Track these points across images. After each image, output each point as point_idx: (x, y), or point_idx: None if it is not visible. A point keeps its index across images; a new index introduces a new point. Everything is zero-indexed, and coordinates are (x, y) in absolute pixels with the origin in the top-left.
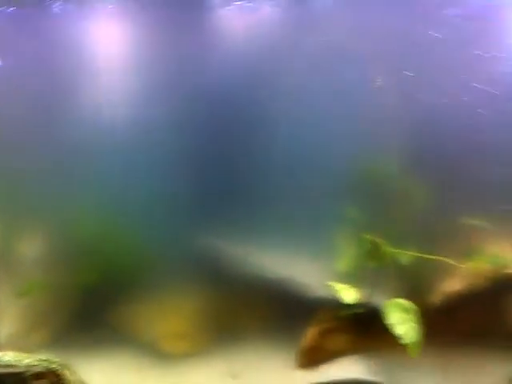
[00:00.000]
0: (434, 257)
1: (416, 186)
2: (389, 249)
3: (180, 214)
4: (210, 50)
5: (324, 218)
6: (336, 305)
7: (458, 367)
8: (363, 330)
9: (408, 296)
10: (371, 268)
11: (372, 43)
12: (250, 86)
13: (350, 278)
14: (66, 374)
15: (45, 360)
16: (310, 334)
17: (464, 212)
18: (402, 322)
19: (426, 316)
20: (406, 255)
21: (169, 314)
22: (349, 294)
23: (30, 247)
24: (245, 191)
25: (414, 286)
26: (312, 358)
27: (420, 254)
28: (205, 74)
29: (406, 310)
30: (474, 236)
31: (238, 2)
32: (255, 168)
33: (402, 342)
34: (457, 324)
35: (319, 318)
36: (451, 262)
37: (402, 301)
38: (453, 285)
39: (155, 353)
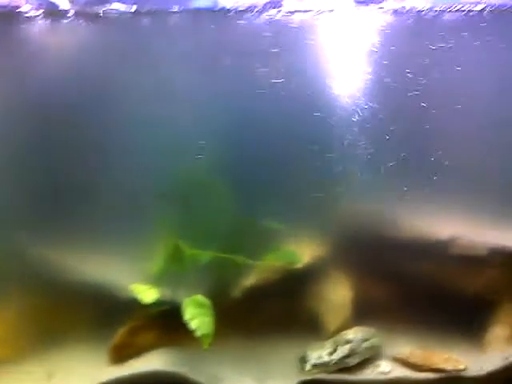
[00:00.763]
0: (231, 256)
1: (221, 189)
2: (189, 250)
3: None
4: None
5: (138, 220)
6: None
7: (256, 354)
8: (166, 326)
9: (211, 292)
10: (175, 269)
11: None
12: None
13: (159, 280)
14: None
15: None
16: (120, 333)
17: (264, 215)
18: (196, 316)
19: (228, 309)
20: (205, 255)
21: None
22: (148, 295)
23: None
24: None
25: (216, 283)
26: (121, 354)
27: (218, 254)
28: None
29: (200, 306)
30: (271, 236)
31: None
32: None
33: (196, 334)
34: (256, 315)
35: (131, 318)
36: (245, 260)
37: (198, 297)
38: (250, 280)
39: None
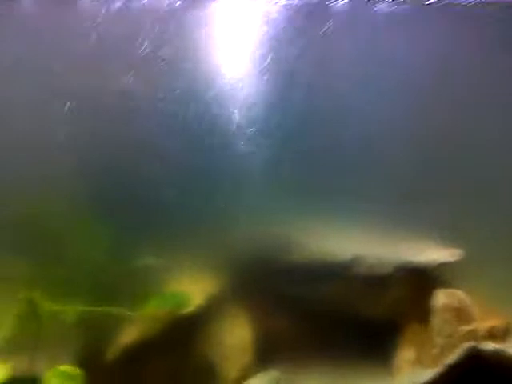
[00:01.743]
0: (104, 308)
1: (91, 231)
2: (50, 306)
3: None
4: None
5: None
6: None
7: None
8: None
9: (81, 359)
10: (31, 332)
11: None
12: None
13: (9, 349)
14: None
15: None
16: None
17: (139, 254)
18: None
19: (105, 376)
20: (70, 311)
21: None
22: None
23: None
24: None
25: (87, 345)
26: None
27: (86, 308)
28: None
29: (67, 378)
30: (152, 278)
31: None
32: None
33: None
34: (142, 375)
35: None
36: (122, 311)
37: (63, 368)
38: (128, 336)
39: None
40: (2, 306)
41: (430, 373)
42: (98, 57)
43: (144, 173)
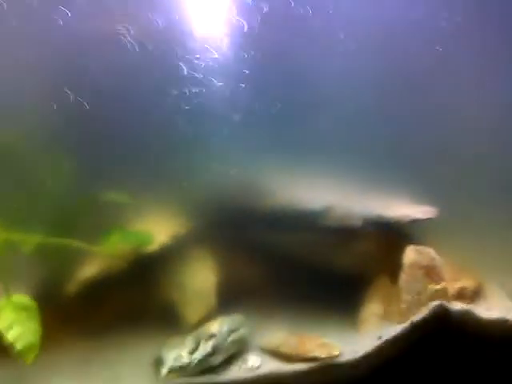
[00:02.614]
0: (64, 240)
1: (50, 162)
2: (6, 234)
3: None
4: None
5: None
6: None
7: (103, 358)
8: None
9: (37, 290)
10: None
11: None
12: None
13: None
14: None
15: None
16: None
17: (102, 187)
18: (14, 323)
19: (62, 309)
20: (29, 240)
21: None
22: None
23: None
24: None
25: (44, 277)
26: None
27: (46, 239)
28: None
29: (21, 309)
30: (113, 213)
31: None
32: None
33: (15, 349)
34: (101, 311)
35: None
36: (83, 245)
37: (18, 297)
38: (88, 270)
39: None
40: None
41: (396, 328)
42: None
43: (114, 107)
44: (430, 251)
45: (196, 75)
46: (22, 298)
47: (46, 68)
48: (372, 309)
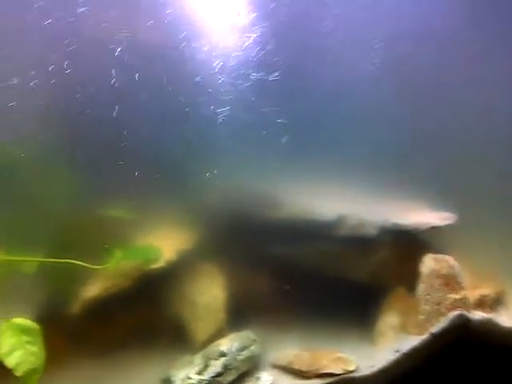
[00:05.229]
0: (67, 261)
1: (52, 179)
2: (5, 256)
3: None
4: None
5: None
6: None
7: (110, 378)
8: None
9: (40, 312)
10: None
11: None
12: None
13: None
14: None
15: None
16: None
17: (104, 204)
18: (16, 348)
19: (69, 329)
20: (30, 263)
21: None
22: None
23: None
24: None
25: (46, 298)
26: None
27: (47, 260)
28: None
29: (23, 332)
30: (117, 230)
31: None
32: None
33: (16, 374)
34: (107, 331)
35: None
36: (85, 264)
37: (19, 321)
38: (93, 289)
39: None
40: None
41: (415, 340)
42: None
43: (118, 123)
44: (449, 259)
45: (202, 85)
46: (24, 321)
47: (47, 81)
48: (389, 321)
